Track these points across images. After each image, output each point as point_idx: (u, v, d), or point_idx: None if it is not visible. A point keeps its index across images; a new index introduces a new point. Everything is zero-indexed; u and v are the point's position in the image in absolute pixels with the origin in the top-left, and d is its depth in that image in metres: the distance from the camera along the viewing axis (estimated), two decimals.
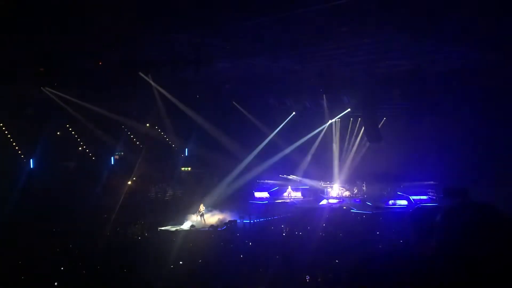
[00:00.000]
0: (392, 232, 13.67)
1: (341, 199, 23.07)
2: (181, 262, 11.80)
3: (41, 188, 18.70)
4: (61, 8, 10.12)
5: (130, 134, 22.83)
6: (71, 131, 21.32)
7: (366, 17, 10.51)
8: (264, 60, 15.25)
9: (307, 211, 20.71)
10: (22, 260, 11.94)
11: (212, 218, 19.70)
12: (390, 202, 22.30)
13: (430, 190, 21.82)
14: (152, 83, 18.43)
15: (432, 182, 21.45)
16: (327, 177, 24.08)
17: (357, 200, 22.84)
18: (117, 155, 22.64)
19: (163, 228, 18.45)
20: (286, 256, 11.48)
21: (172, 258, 12.02)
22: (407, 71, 15.60)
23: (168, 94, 19.59)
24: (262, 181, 24.37)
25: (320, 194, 23.82)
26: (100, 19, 10.84)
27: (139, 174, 22.00)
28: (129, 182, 21.66)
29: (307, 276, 9.48)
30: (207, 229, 18.28)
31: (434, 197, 21.36)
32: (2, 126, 18.97)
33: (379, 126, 19.69)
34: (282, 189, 24.23)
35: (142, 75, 17.15)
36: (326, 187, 23.76)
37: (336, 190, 23.52)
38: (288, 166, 24.09)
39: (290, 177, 24.29)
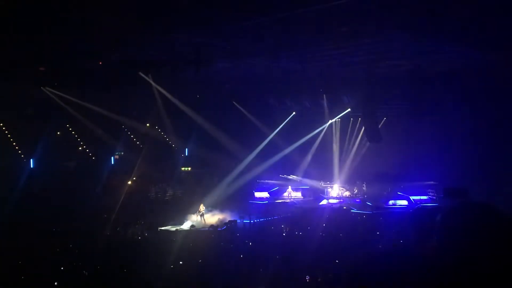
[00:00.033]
0: (392, 232, 13.65)
1: (341, 199, 23.05)
2: (181, 262, 11.80)
3: (41, 188, 18.71)
4: (61, 8, 10.12)
5: (130, 134, 22.84)
6: (71, 131, 21.33)
7: (366, 17, 10.52)
8: (264, 60, 15.26)
9: (307, 211, 20.69)
10: (22, 260, 11.94)
11: (212, 218, 19.69)
12: (390, 202, 22.27)
13: (430, 190, 21.79)
14: (152, 83, 18.45)
15: (432, 182, 21.42)
16: (327, 177, 24.07)
17: (357, 200, 22.82)
18: (117, 155, 22.65)
19: (163, 228, 18.43)
20: (286, 256, 11.49)
21: (172, 258, 12.02)
22: (407, 71, 15.61)
23: (168, 94, 19.61)
24: (262, 181, 24.35)
25: (320, 194, 23.79)
26: (100, 19, 10.85)
27: (139, 174, 21.99)
28: (129, 182, 21.65)
29: (307, 276, 9.48)
30: (207, 229, 18.27)
31: (434, 197, 21.33)
32: (2, 126, 18.98)
33: (379, 126, 19.69)
34: (282, 189, 24.21)
35: (142, 75, 17.16)
36: (326, 187, 23.74)
37: (336, 190, 23.50)
38: (288, 166, 24.09)
39: (290, 177, 24.28)
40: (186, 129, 22.39)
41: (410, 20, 10.58)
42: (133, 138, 23.00)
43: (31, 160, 19.44)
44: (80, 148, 21.78)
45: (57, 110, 18.86)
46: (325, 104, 20.99)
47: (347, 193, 23.34)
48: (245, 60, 15.56)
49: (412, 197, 21.97)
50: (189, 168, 24.66)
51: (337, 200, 22.95)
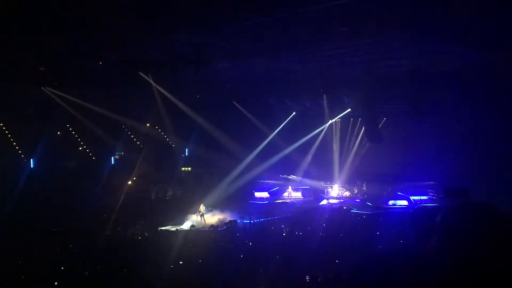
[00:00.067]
0: (392, 232, 13.65)
1: (341, 199, 23.04)
2: (181, 262, 11.81)
3: (41, 188, 18.70)
4: (61, 8, 10.13)
5: (130, 134, 22.84)
6: (71, 131, 21.33)
7: (366, 17, 10.52)
8: (264, 60, 15.27)
9: (307, 211, 20.69)
10: (22, 260, 11.94)
11: (212, 218, 19.69)
12: (390, 202, 22.26)
13: (430, 190, 21.78)
14: (152, 83, 18.45)
15: (432, 182, 21.41)
16: (327, 177, 24.07)
17: (357, 200, 22.81)
18: (117, 155, 22.64)
19: (163, 228, 18.43)
20: (286, 256, 11.50)
21: (172, 258, 12.03)
22: (407, 71, 15.60)
23: (168, 94, 19.61)
24: (262, 181, 24.35)
25: (320, 194, 23.78)
26: (101, 19, 10.86)
27: (139, 174, 22.00)
28: (129, 182, 21.66)
29: (307, 276, 9.48)
30: (207, 229, 18.27)
31: (434, 197, 21.31)
32: (2, 126, 18.98)
33: (379, 126, 19.69)
34: (282, 189, 24.21)
35: (142, 75, 17.16)
36: (326, 187, 23.74)
37: (336, 190, 23.49)
38: (288, 166, 24.08)
39: (290, 177, 24.28)
40: (186, 129, 22.40)
41: (410, 20, 10.58)
42: (133, 138, 23.00)
43: (31, 160, 19.44)
44: (80, 148, 21.77)
45: (57, 110, 18.86)
46: (325, 104, 20.99)
47: (347, 193, 23.33)
48: (245, 60, 15.57)
49: (412, 197, 21.96)
50: (189, 168, 24.66)
51: (337, 200, 22.95)
